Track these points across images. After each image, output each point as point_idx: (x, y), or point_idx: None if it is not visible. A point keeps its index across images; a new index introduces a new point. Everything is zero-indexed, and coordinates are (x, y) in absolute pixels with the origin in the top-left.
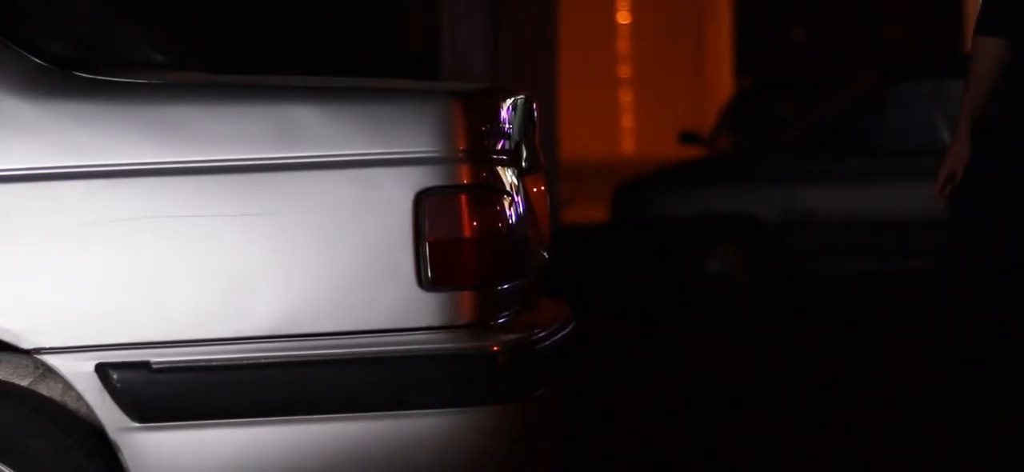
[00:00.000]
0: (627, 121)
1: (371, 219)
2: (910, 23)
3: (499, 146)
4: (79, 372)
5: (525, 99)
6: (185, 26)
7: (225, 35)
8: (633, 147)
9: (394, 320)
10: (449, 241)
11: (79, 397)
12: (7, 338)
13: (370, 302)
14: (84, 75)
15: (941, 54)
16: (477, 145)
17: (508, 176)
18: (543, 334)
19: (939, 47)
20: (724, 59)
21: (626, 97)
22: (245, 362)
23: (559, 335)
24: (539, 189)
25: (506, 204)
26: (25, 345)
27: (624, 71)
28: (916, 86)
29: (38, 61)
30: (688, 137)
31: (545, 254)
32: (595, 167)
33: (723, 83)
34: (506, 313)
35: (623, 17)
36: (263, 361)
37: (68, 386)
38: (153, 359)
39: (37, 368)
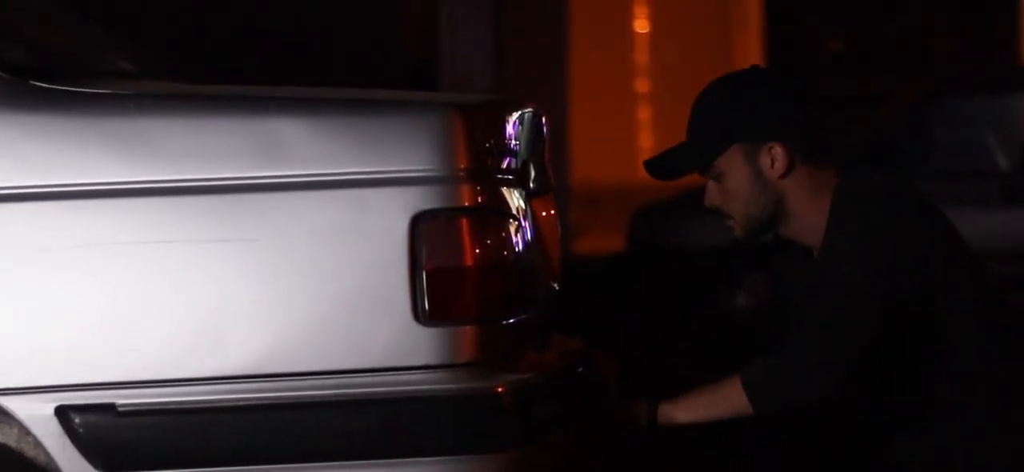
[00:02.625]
0: (646, 140)
1: (362, 245)
2: (959, 33)
3: (504, 165)
4: (37, 415)
5: (533, 113)
6: (162, 32)
7: (207, 42)
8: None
9: (388, 358)
10: (448, 270)
11: (37, 443)
12: None
13: (361, 338)
14: (42, 85)
15: (993, 67)
16: (479, 163)
17: (514, 198)
18: (552, 374)
19: (991, 60)
20: None
21: (645, 113)
22: (222, 405)
23: (570, 375)
24: (548, 213)
25: (512, 229)
26: None
27: (643, 85)
28: (965, 102)
29: None
30: None
31: (555, 285)
32: (610, 191)
33: None
34: (512, 351)
35: (642, 25)
36: (242, 404)
37: (25, 431)
38: (119, 401)
39: None
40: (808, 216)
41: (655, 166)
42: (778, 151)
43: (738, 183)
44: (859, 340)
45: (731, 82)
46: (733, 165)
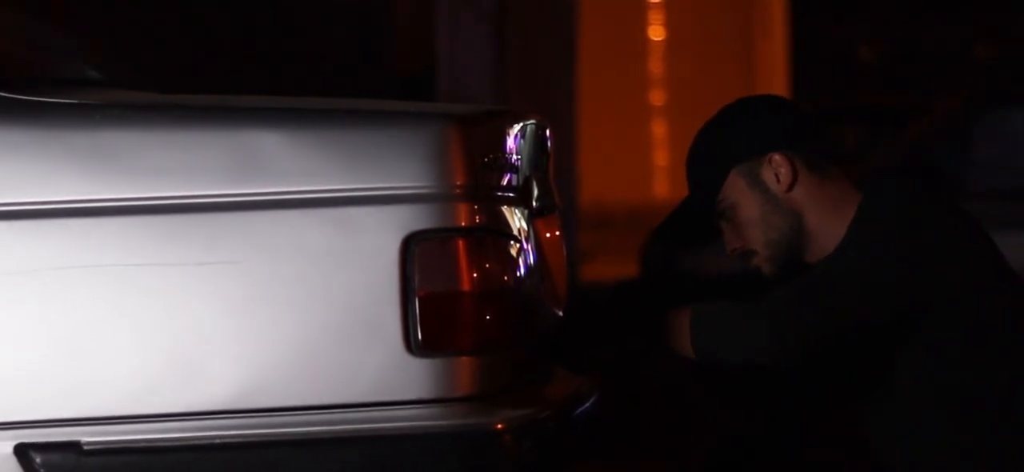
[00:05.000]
0: (661, 158)
1: (349, 268)
2: (1004, 39)
3: (504, 182)
4: None
5: (536, 126)
6: (133, 38)
7: (183, 49)
8: (668, 189)
9: (377, 391)
10: (443, 296)
11: None
12: None
13: (348, 370)
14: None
15: None
16: (477, 180)
17: (515, 218)
18: (557, 410)
19: None
20: (778, 82)
21: (660, 128)
22: (196, 443)
23: (577, 411)
24: (553, 234)
25: (512, 252)
26: None
27: (658, 97)
28: (1010, 115)
29: None
30: None
31: (560, 313)
32: (622, 212)
33: None
34: (512, 384)
35: (657, 32)
36: (218, 442)
37: None
38: (84, 439)
39: None
40: (831, 234)
41: (664, 233)
42: (778, 159)
43: (749, 210)
44: (811, 340)
45: (715, 118)
46: (739, 193)
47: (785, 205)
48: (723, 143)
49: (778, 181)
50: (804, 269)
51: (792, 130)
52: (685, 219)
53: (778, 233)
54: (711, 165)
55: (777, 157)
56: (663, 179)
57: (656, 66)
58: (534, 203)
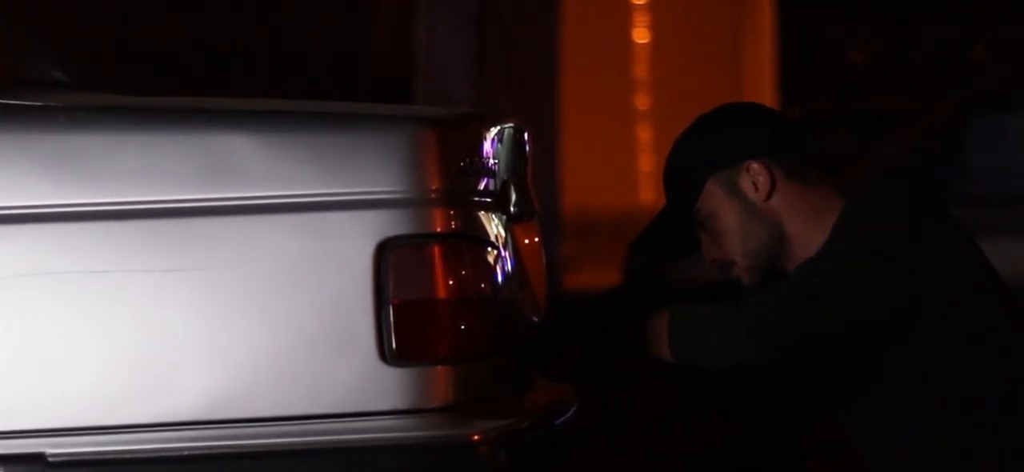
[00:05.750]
0: (645, 163)
1: (322, 275)
2: (1002, 41)
3: (481, 186)
4: None
5: (514, 129)
6: (100, 39)
7: (152, 50)
8: (653, 195)
9: (350, 402)
10: (418, 303)
11: None
12: None
13: (320, 380)
14: None
15: None
16: (454, 185)
17: (492, 224)
18: (536, 421)
19: None
20: (766, 86)
21: (645, 133)
22: (165, 455)
23: (556, 421)
24: (532, 241)
25: (489, 258)
26: None
27: (643, 101)
28: (1004, 119)
29: None
30: None
31: (539, 321)
32: (606, 219)
33: None
34: (489, 394)
35: (641, 34)
36: (187, 453)
37: None
38: (49, 450)
39: None
40: (811, 241)
41: (642, 245)
42: (755, 168)
43: (727, 220)
44: (790, 343)
45: (692, 126)
46: (716, 203)
47: (764, 214)
48: (700, 152)
49: (756, 190)
50: (784, 278)
51: (770, 137)
52: (663, 230)
53: (757, 243)
54: (688, 174)
55: (755, 165)
56: (648, 185)
57: (641, 69)
58: (512, 209)
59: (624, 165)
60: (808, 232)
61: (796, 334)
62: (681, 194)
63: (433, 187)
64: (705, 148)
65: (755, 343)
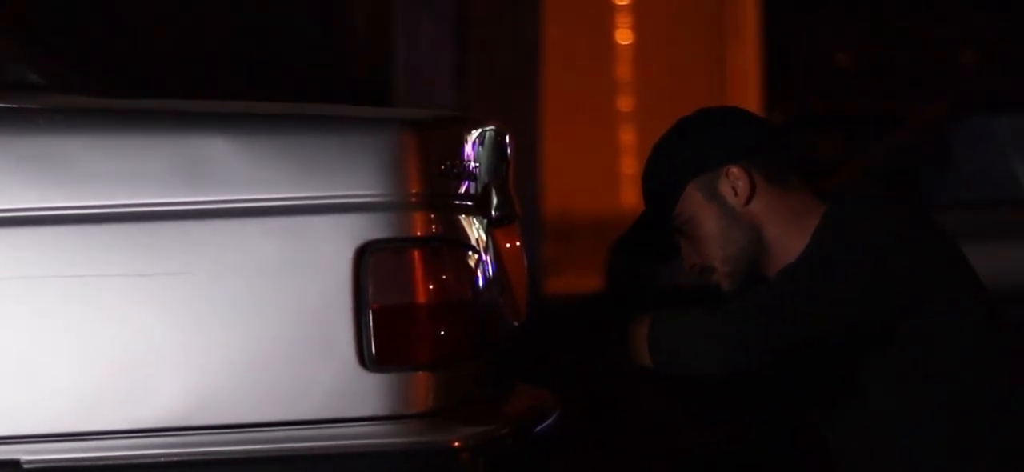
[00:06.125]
0: (628, 166)
1: (300, 280)
2: (988, 44)
3: (462, 190)
4: None
5: (495, 132)
6: (75, 40)
7: (128, 51)
8: (636, 199)
9: (329, 408)
10: (398, 308)
11: None
12: None
13: (299, 385)
14: None
15: None
16: (434, 188)
17: (473, 228)
18: (517, 427)
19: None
20: (751, 88)
21: (628, 136)
22: (141, 461)
23: (537, 428)
24: (513, 244)
25: (470, 262)
26: None
27: (625, 103)
28: (993, 123)
29: None
30: None
31: (521, 326)
32: (588, 223)
33: None
34: (470, 400)
35: (624, 36)
36: (163, 460)
37: None
38: (24, 457)
39: None
40: (791, 246)
41: (623, 247)
42: (735, 172)
43: (706, 226)
44: (770, 349)
45: (672, 130)
46: (695, 208)
47: (743, 219)
48: (680, 155)
49: (735, 194)
50: (764, 283)
51: (751, 141)
52: (642, 235)
53: (737, 248)
54: (667, 178)
55: (735, 170)
56: (631, 188)
57: (623, 71)
58: (493, 212)
59: (606, 168)
60: (788, 237)
61: (777, 340)
62: (660, 199)
63: (413, 190)
64: (685, 152)
65: (735, 350)
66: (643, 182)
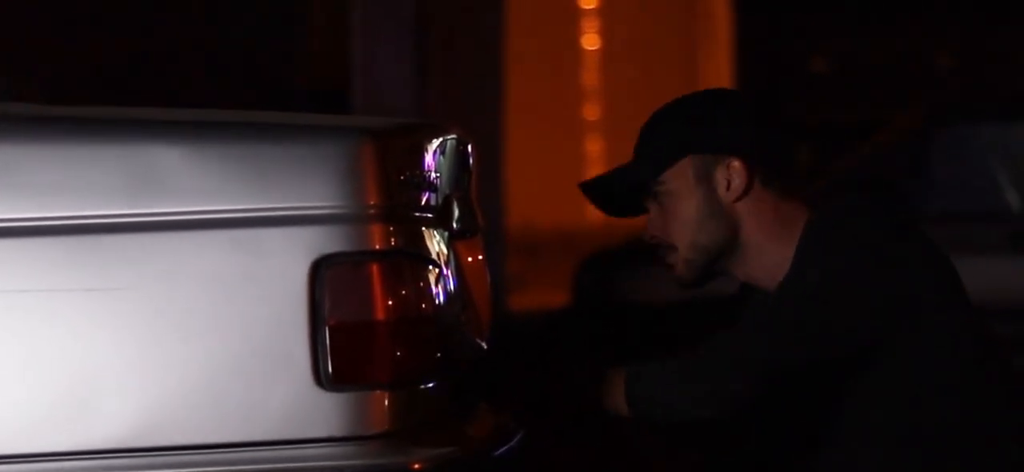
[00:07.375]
0: (596, 176)
1: (254, 295)
2: (965, 51)
3: (422, 201)
4: None
5: (457, 141)
6: (18, 47)
7: (73, 58)
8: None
9: (284, 429)
10: (356, 325)
11: None
12: None
13: (253, 405)
14: None
15: (1004, 92)
16: (393, 200)
17: (434, 241)
18: (478, 449)
19: (1001, 83)
20: None
21: (594, 145)
22: None
23: (499, 450)
24: (475, 258)
25: (431, 277)
26: None
27: (592, 111)
28: (970, 132)
29: None
30: None
31: (483, 345)
32: (553, 237)
33: None
34: (430, 420)
35: (591, 41)
36: None
37: None
38: None
39: None
40: (770, 252)
41: (594, 188)
42: (737, 167)
43: (686, 206)
44: (759, 386)
45: (691, 96)
46: (683, 182)
47: (726, 213)
48: (692, 126)
49: (727, 187)
50: (721, 277)
51: (763, 141)
52: (617, 185)
53: (709, 239)
54: (670, 143)
55: (737, 163)
56: None
57: (590, 77)
58: (455, 225)
59: (572, 178)
60: (767, 244)
61: (759, 382)
62: (651, 158)
63: (371, 202)
64: (699, 125)
65: (716, 397)
66: (642, 133)
